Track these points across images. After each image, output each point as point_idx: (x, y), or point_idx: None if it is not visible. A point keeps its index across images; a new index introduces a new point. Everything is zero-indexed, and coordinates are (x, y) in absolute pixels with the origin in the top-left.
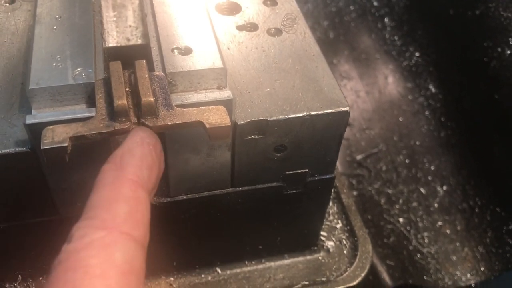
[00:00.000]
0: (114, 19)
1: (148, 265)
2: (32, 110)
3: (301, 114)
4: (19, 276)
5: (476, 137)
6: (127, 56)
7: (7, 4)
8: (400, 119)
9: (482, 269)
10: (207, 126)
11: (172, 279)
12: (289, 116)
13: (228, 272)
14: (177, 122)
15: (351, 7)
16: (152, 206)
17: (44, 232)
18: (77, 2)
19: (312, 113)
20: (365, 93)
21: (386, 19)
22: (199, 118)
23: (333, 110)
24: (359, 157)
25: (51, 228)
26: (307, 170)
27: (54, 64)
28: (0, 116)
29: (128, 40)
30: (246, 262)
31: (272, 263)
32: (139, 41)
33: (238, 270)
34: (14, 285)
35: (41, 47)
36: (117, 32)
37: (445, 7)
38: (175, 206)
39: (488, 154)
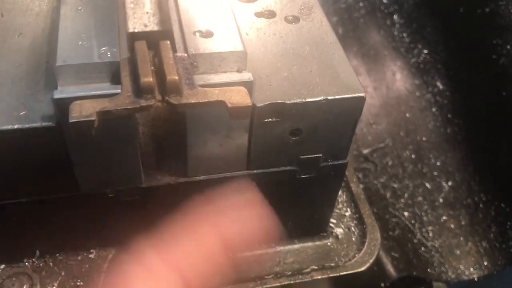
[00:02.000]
0: (132, 5)
1: None
2: (58, 87)
3: (318, 98)
4: (37, 251)
5: (483, 134)
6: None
7: None
8: (407, 115)
9: (485, 263)
10: (229, 105)
11: None
12: (306, 100)
13: (238, 255)
14: (200, 101)
15: (360, 4)
16: (169, 186)
17: (63, 208)
18: None
19: (329, 97)
20: (372, 88)
21: (395, 16)
22: (221, 97)
23: (349, 95)
24: (365, 151)
25: (71, 204)
26: (320, 155)
27: (80, 42)
28: (27, 92)
29: (145, 26)
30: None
31: (282, 247)
32: (156, 28)
33: (248, 254)
34: (32, 261)
35: (66, 27)
36: (135, 18)
37: (455, 5)
38: (192, 186)
39: (494, 151)
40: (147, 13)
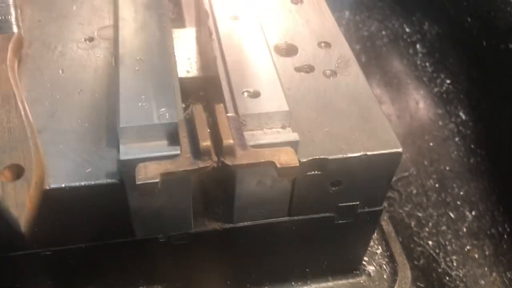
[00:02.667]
0: None
1: (204, 283)
2: (120, 145)
3: (358, 154)
4: None
5: (505, 164)
6: (188, 87)
7: (88, 42)
8: (431, 144)
9: None
10: (278, 166)
11: None
12: (347, 156)
13: None
14: (252, 162)
15: (383, 32)
16: (216, 231)
17: (118, 252)
18: (154, 43)
19: (368, 153)
20: (396, 117)
21: (417, 45)
22: (271, 158)
23: (387, 151)
24: None
25: (126, 249)
26: (358, 202)
27: (140, 104)
28: (91, 149)
29: (188, 72)
30: (293, 283)
31: (317, 285)
32: (197, 74)
33: None
34: None
35: (126, 88)
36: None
37: (478, 38)
38: (237, 231)
39: None
40: (189, 59)
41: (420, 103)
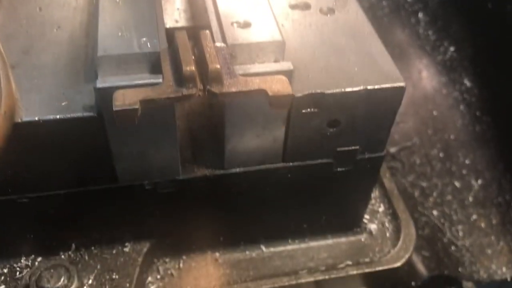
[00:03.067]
0: (163, 1)
1: (196, 239)
2: (99, 77)
3: (357, 88)
4: (73, 245)
5: None
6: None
7: None
8: (435, 113)
9: None
10: (270, 94)
11: (217, 254)
12: (346, 90)
13: (272, 249)
14: (242, 90)
15: (384, 2)
16: (206, 178)
17: (101, 200)
18: None
19: (369, 87)
20: None
21: (420, 14)
22: (262, 86)
23: (389, 85)
24: (393, 150)
25: (109, 196)
26: (358, 147)
27: (120, 33)
28: (68, 83)
29: (177, 22)
30: (290, 240)
31: (315, 243)
32: (186, 24)
33: (282, 248)
34: (68, 254)
35: (106, 18)
36: (166, 14)
37: (483, 1)
38: (228, 178)
39: None
40: (178, 9)
41: (423, 72)
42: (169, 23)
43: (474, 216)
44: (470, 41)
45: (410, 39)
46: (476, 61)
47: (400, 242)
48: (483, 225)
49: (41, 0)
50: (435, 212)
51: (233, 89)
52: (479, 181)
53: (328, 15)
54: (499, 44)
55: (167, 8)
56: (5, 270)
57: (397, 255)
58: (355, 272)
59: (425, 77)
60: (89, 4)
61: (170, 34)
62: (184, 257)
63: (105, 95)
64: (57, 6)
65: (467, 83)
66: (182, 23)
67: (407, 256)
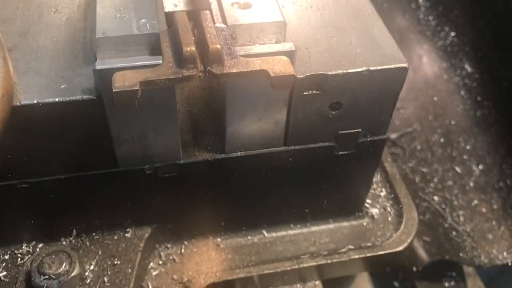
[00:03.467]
0: None
1: (197, 224)
2: (97, 59)
3: (359, 69)
4: (74, 230)
5: None
6: None
7: None
8: (435, 98)
9: None
10: (272, 74)
11: (219, 239)
12: (348, 71)
13: (274, 234)
14: (243, 70)
15: None
16: (207, 162)
17: (101, 185)
18: None
19: (371, 68)
20: None
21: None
22: (263, 67)
23: (391, 66)
24: (393, 136)
25: (109, 181)
26: (360, 130)
27: (118, 15)
28: (66, 66)
29: (175, 6)
30: (292, 225)
31: (317, 227)
32: (185, 8)
33: (283, 233)
34: (69, 239)
35: (104, 1)
36: None
37: None
38: (230, 162)
39: None
40: None
41: (423, 58)
42: (168, 7)
43: (475, 201)
44: (470, 26)
45: (411, 24)
46: (477, 46)
47: (402, 226)
48: (484, 210)
49: None
50: (436, 198)
51: (234, 70)
52: (480, 166)
53: None
54: (500, 29)
55: None
56: (6, 257)
57: (399, 239)
58: (357, 256)
59: (425, 62)
60: None
61: (169, 18)
62: (185, 242)
63: (104, 77)
64: None
65: (468, 68)
66: (181, 7)
67: (409, 240)
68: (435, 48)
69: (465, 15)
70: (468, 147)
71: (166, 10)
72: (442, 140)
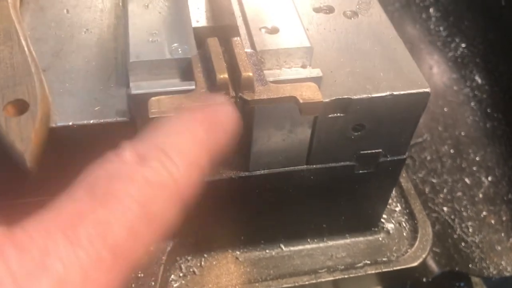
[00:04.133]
0: None
1: (217, 238)
2: (130, 82)
3: (384, 94)
4: None
5: None
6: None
7: None
8: (445, 109)
9: None
10: (301, 101)
11: (238, 253)
12: (372, 95)
13: (291, 248)
14: (273, 97)
15: None
16: (231, 180)
17: None
18: None
19: (395, 93)
20: None
21: (431, 9)
22: (293, 93)
23: (415, 91)
24: None
25: None
26: (380, 150)
27: (151, 39)
28: (99, 87)
29: (197, 21)
30: (309, 240)
31: (333, 242)
32: (207, 24)
33: (301, 247)
34: None
35: (136, 23)
36: None
37: None
38: (253, 180)
39: None
40: (198, 8)
41: (434, 68)
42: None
43: (484, 213)
44: (481, 38)
45: (421, 34)
46: (487, 58)
47: (417, 242)
48: (493, 221)
49: (67, 2)
50: (445, 209)
51: (265, 96)
52: (490, 178)
53: (352, 18)
54: (511, 42)
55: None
56: None
57: (414, 255)
58: (373, 271)
59: (436, 73)
60: (116, 6)
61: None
62: (205, 255)
63: (138, 101)
64: (84, 8)
65: (478, 79)
66: (203, 23)
67: (424, 256)
68: (446, 59)
69: (476, 26)
70: (477, 158)
71: None
72: (452, 151)
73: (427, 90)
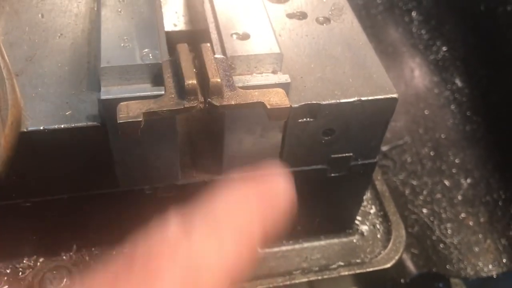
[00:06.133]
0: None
1: None
2: (102, 87)
3: (352, 99)
4: (74, 246)
5: (501, 131)
6: (174, 41)
7: None
8: (426, 112)
9: (504, 260)
10: (268, 106)
11: None
12: (341, 101)
13: (267, 250)
14: (241, 102)
15: (378, 0)
16: (204, 183)
17: (103, 204)
18: None
19: (363, 98)
20: None
21: (413, 13)
22: (260, 99)
23: (382, 96)
24: (384, 148)
25: (110, 201)
26: (351, 154)
27: (122, 44)
28: (71, 92)
29: (175, 25)
30: (284, 241)
31: (308, 244)
32: (185, 27)
33: (276, 249)
34: (69, 255)
35: (108, 28)
36: (165, 18)
37: (476, 3)
38: (226, 183)
39: None
40: (176, 12)
41: (415, 71)
42: (168, 26)
43: (463, 215)
44: (462, 42)
45: (404, 37)
46: (467, 62)
47: (390, 244)
48: (471, 223)
49: (43, 6)
50: (424, 210)
51: (233, 102)
52: (468, 180)
53: (324, 24)
54: (490, 45)
55: (165, 11)
56: (8, 271)
57: (387, 257)
58: (346, 273)
59: (417, 76)
60: (91, 11)
61: (169, 37)
62: None
63: (108, 106)
64: (59, 13)
65: (458, 83)
66: (180, 27)
67: (397, 257)
68: (427, 62)
69: (457, 31)
70: (457, 160)
71: (166, 29)
72: (432, 153)
73: (395, 95)
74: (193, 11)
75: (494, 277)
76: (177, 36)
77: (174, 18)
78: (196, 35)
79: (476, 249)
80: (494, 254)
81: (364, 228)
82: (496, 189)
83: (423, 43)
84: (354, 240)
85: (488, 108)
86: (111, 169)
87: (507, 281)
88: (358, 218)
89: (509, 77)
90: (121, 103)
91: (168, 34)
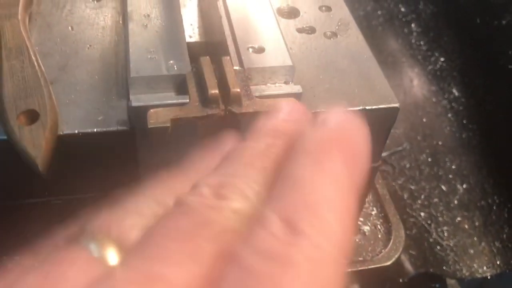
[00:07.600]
0: None
1: None
2: (130, 95)
3: (357, 108)
4: None
5: (496, 138)
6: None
7: (95, 1)
8: (424, 120)
9: (498, 262)
10: None
11: None
12: (347, 109)
13: None
14: (257, 110)
15: (379, 12)
16: None
17: None
18: (161, 1)
19: (367, 107)
20: None
21: (412, 25)
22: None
23: (385, 106)
24: (384, 154)
25: None
26: None
27: (149, 56)
28: (102, 99)
29: (190, 37)
30: None
31: None
32: (199, 39)
33: None
34: None
35: (135, 41)
36: None
37: (472, 16)
38: None
39: (507, 155)
40: (191, 25)
41: (414, 81)
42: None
43: (459, 218)
44: (459, 53)
45: (403, 48)
46: (464, 72)
47: (390, 243)
48: (466, 226)
49: (72, 19)
50: (422, 214)
51: (250, 110)
52: (464, 185)
53: (331, 39)
54: (486, 57)
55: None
56: None
57: (388, 255)
58: (349, 269)
59: (416, 85)
60: (116, 24)
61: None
62: None
63: (138, 113)
64: (88, 26)
65: (455, 92)
66: (195, 38)
67: (396, 256)
68: (426, 72)
69: (454, 42)
70: (453, 166)
71: None
72: (429, 159)
73: (396, 105)
74: (207, 24)
75: (488, 278)
76: (193, 46)
77: (189, 30)
78: (211, 47)
79: (471, 251)
80: (488, 256)
81: (366, 228)
82: (490, 194)
83: (421, 54)
84: (357, 240)
85: (483, 117)
86: (136, 171)
87: (501, 282)
88: (360, 219)
89: (504, 87)
90: (151, 110)
91: (186, 45)
